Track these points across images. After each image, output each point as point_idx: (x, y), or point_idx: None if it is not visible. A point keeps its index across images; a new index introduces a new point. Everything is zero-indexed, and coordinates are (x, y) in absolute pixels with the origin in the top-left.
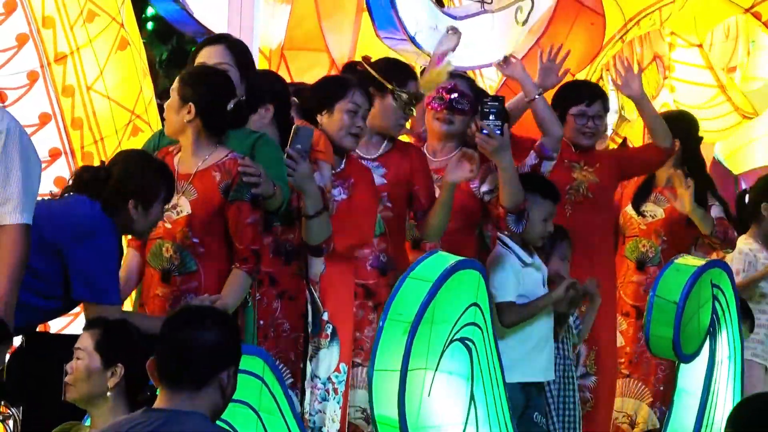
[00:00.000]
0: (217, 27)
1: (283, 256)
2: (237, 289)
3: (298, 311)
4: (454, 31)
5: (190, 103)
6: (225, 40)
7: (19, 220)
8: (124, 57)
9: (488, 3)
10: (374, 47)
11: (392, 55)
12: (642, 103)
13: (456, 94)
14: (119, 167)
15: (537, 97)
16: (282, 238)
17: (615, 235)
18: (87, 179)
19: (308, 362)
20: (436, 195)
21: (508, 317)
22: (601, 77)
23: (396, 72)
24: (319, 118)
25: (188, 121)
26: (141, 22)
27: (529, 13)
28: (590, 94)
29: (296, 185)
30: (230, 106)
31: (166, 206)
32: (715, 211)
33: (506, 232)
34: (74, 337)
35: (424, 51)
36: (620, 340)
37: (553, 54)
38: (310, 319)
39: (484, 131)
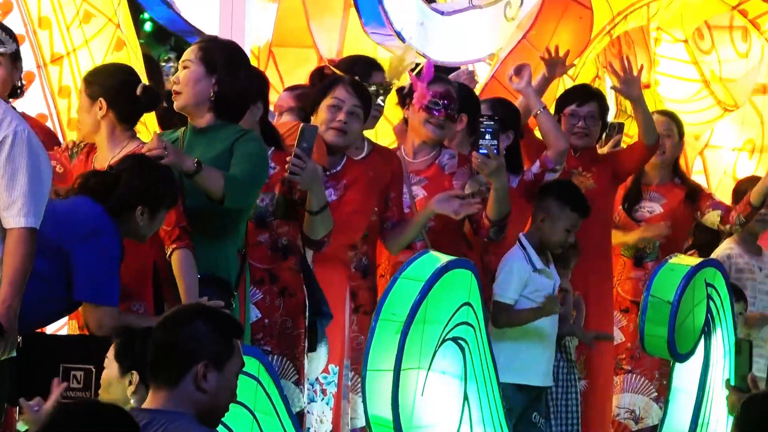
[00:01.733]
0: (209, 27)
1: (280, 251)
2: (187, 268)
3: (298, 308)
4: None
5: (100, 99)
6: (199, 40)
7: (23, 224)
8: (121, 58)
9: None
10: (362, 43)
11: (380, 50)
12: (639, 103)
13: (447, 100)
14: (127, 174)
15: (541, 111)
16: (277, 232)
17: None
18: (93, 184)
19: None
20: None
21: (500, 319)
22: (598, 75)
23: (358, 66)
24: (312, 119)
25: (101, 116)
26: (139, 22)
27: (518, 10)
28: (583, 95)
29: (303, 183)
30: (139, 91)
31: None
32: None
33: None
34: (71, 338)
35: (410, 46)
36: (620, 336)
37: (552, 53)
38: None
39: (482, 151)
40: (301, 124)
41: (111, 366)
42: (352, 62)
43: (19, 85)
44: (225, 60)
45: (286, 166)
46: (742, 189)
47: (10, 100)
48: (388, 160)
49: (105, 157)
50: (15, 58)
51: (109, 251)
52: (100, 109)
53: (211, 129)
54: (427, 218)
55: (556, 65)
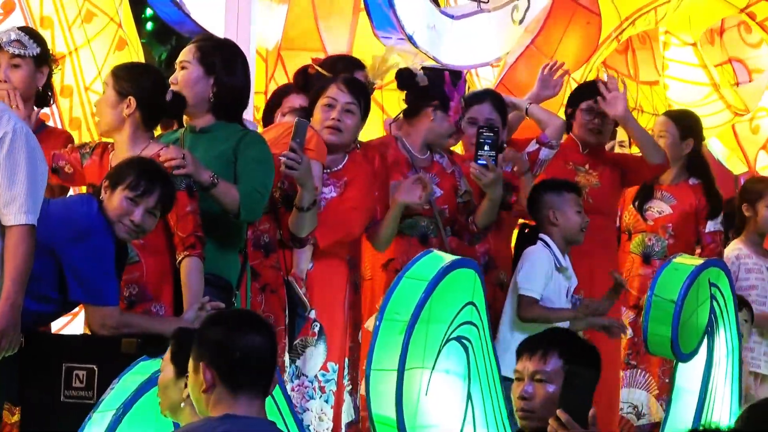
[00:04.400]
0: (215, 28)
1: (262, 249)
2: (195, 277)
3: (279, 304)
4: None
5: (130, 96)
6: (195, 40)
7: (23, 221)
8: (123, 57)
9: (484, 2)
10: (371, 47)
11: None
12: (627, 122)
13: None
14: None
15: (529, 105)
16: (260, 230)
17: (617, 238)
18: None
19: (287, 355)
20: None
21: (527, 313)
22: (598, 77)
23: (340, 64)
24: (312, 121)
25: (127, 114)
26: (140, 22)
27: (525, 12)
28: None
29: (299, 178)
30: (168, 96)
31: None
32: (711, 225)
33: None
34: (72, 337)
35: (421, 50)
36: (629, 331)
37: (554, 69)
38: (287, 311)
39: (481, 161)
40: (296, 119)
41: (167, 369)
42: (334, 61)
43: (44, 92)
44: (223, 60)
45: (282, 161)
46: (751, 188)
47: (35, 109)
48: (371, 158)
49: (124, 156)
50: (38, 62)
51: (102, 251)
52: (128, 107)
53: (212, 129)
54: (399, 211)
55: (547, 85)
